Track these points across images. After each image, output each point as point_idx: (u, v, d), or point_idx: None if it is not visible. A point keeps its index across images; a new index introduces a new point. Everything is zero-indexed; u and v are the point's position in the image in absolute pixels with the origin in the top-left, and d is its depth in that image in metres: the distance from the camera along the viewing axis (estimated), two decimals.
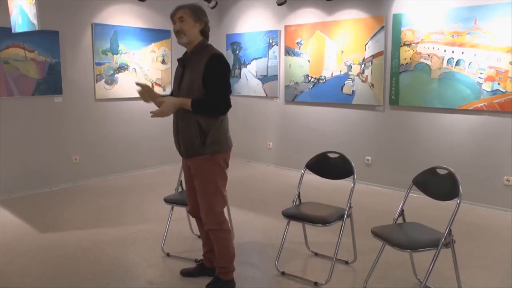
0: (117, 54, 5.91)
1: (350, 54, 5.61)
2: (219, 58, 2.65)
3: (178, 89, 2.76)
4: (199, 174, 2.73)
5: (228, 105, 2.64)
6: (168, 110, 2.63)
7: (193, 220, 3.24)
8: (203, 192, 2.73)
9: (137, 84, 2.75)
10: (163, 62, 6.43)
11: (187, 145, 2.71)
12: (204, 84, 2.61)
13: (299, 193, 3.31)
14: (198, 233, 3.51)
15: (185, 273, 3.12)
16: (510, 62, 4.35)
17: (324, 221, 2.96)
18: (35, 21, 3.90)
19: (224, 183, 2.80)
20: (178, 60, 2.82)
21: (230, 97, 2.67)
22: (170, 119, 2.83)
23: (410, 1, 5.05)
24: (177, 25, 2.68)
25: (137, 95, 2.76)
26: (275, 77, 6.50)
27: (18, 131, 5.11)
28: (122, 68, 5.97)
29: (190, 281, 3.05)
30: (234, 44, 7.01)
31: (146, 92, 2.74)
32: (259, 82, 6.70)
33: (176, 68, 2.89)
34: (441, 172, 2.85)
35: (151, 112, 2.61)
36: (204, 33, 2.76)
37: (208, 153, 2.66)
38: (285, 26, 6.29)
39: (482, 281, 3.07)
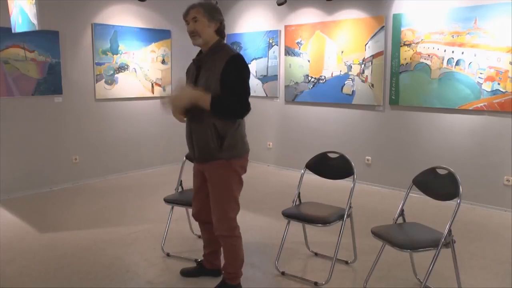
0: (117, 54, 5.90)
1: (350, 54, 5.61)
2: (238, 59, 2.50)
3: None
4: (214, 180, 2.60)
5: (248, 108, 2.48)
6: (182, 99, 2.44)
7: (193, 220, 3.23)
8: (217, 199, 2.62)
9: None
10: (163, 62, 6.43)
11: (202, 149, 2.56)
12: (221, 86, 2.45)
13: (299, 193, 3.31)
14: (198, 233, 3.51)
15: (185, 273, 3.12)
16: (510, 62, 4.35)
17: (324, 221, 2.96)
18: (35, 21, 3.89)
19: (239, 188, 2.69)
20: (194, 60, 2.67)
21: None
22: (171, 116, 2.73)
23: (410, 1, 5.05)
24: (191, 26, 2.52)
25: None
26: (275, 77, 6.50)
27: (18, 131, 5.11)
28: (122, 68, 5.97)
29: (190, 281, 3.05)
30: (234, 44, 7.00)
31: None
32: (259, 82, 6.70)
33: (189, 68, 2.76)
34: (441, 172, 2.85)
35: (162, 99, 2.47)
36: (220, 32, 2.60)
37: (224, 158, 2.52)
38: (285, 26, 6.29)
39: (482, 281, 3.07)
